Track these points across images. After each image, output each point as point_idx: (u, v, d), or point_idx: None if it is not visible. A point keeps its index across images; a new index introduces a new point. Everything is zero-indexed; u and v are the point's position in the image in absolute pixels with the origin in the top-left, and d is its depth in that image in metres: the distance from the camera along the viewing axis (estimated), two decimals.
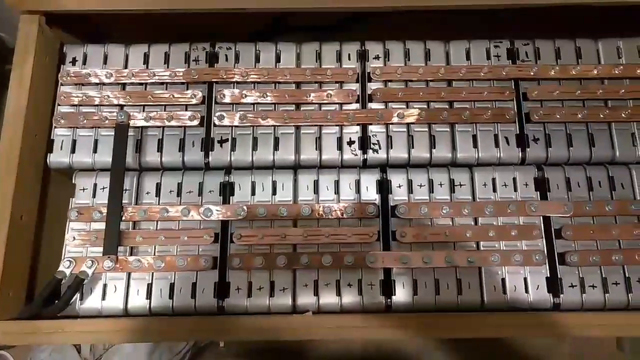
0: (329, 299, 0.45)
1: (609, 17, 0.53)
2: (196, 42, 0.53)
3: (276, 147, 0.49)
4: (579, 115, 0.49)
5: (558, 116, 0.49)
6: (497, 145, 0.49)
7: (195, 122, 0.49)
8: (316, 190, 0.48)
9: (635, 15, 0.52)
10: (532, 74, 0.50)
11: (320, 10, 0.53)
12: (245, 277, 0.46)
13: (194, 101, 0.50)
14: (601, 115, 0.49)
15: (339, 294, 0.45)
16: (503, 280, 0.46)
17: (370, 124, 0.50)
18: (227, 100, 0.50)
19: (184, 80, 0.51)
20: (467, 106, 0.50)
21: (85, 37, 0.58)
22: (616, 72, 0.50)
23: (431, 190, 0.48)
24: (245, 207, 0.47)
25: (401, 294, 0.45)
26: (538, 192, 0.48)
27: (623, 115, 0.49)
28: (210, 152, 0.49)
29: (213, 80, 0.51)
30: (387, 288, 0.46)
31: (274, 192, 0.48)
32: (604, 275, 0.45)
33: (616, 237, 0.46)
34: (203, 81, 0.51)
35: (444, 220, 0.47)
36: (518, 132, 0.49)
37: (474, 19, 0.55)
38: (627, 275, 0.45)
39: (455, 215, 0.47)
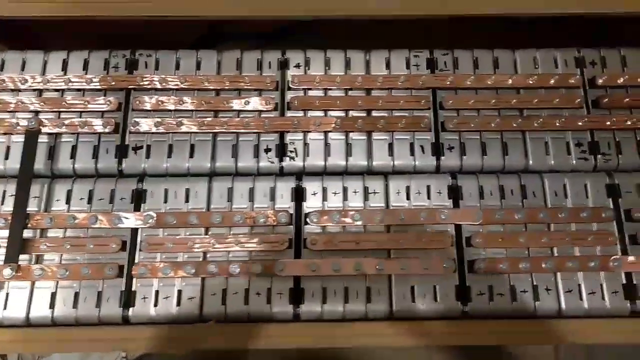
0: (237, 307, 0.45)
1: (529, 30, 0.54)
2: (116, 50, 0.53)
3: (192, 154, 0.49)
4: (493, 125, 0.49)
5: (472, 125, 0.49)
6: (412, 153, 0.49)
7: (109, 129, 0.49)
8: (230, 198, 0.48)
9: (553, 27, 0.53)
10: (448, 83, 0.51)
11: (244, 19, 0.53)
12: (152, 286, 0.45)
13: (108, 108, 0.49)
14: (514, 125, 0.49)
15: (247, 302, 0.45)
16: (412, 288, 0.45)
17: (288, 132, 0.50)
18: (143, 107, 0.50)
19: (100, 87, 0.50)
20: (384, 114, 0.50)
21: (21, 45, 0.58)
22: (530, 81, 0.51)
23: (345, 197, 0.48)
24: (154, 215, 0.46)
25: (310, 303, 0.45)
26: (451, 201, 0.48)
27: (535, 124, 0.49)
28: (124, 159, 0.49)
29: (130, 87, 0.50)
30: (297, 297, 0.45)
31: (187, 200, 0.48)
32: (511, 283, 0.46)
33: (525, 246, 0.46)
34: (120, 88, 0.50)
35: (356, 228, 0.47)
36: (434, 141, 0.50)
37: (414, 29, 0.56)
38: (534, 284, 0.46)
39: (367, 223, 0.47)
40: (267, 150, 0.49)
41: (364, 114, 0.50)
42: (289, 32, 0.66)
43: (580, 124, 0.49)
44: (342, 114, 0.50)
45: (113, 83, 0.50)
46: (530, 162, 0.49)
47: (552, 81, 0.51)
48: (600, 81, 0.51)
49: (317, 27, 0.66)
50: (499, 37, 0.56)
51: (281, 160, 0.49)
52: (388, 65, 0.52)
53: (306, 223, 0.47)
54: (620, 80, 0.51)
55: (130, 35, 0.55)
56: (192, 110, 0.50)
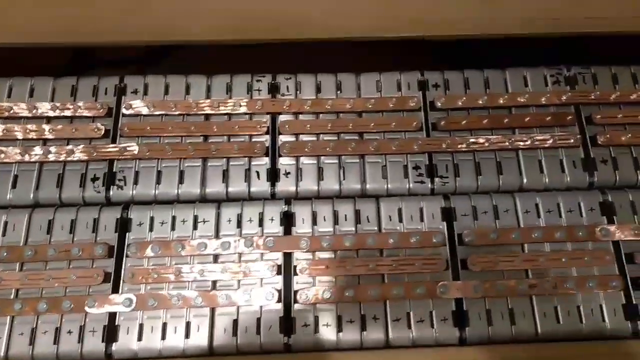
0: (45, 348, 0.42)
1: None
2: None
3: (14, 184, 0.47)
4: (328, 149, 0.49)
5: (306, 150, 0.48)
6: (247, 180, 0.48)
7: None
8: (50, 230, 0.46)
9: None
10: (286, 107, 0.50)
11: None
12: None
13: None
14: (350, 149, 0.49)
15: (56, 342, 0.42)
16: (235, 321, 0.43)
17: (118, 159, 0.48)
18: None
19: None
20: (219, 140, 0.49)
21: None
22: (369, 105, 0.50)
23: (173, 227, 0.46)
24: None
25: (125, 339, 0.42)
26: (283, 227, 0.47)
27: (371, 148, 0.48)
28: None
29: None
30: (111, 334, 0.43)
31: (4, 234, 0.45)
32: (339, 313, 0.44)
33: (352, 273, 0.44)
34: None
35: (178, 259, 0.45)
36: (270, 167, 0.49)
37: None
38: (362, 313, 0.44)
39: (191, 253, 0.45)
40: (95, 179, 0.47)
41: (199, 140, 0.49)
42: (157, 58, 0.65)
43: (415, 147, 0.49)
44: (177, 140, 0.49)
45: None
46: (367, 185, 0.48)
47: (390, 104, 0.50)
48: (439, 104, 0.51)
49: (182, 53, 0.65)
50: (363, 60, 0.56)
51: (108, 190, 0.47)
52: (229, 90, 0.51)
53: (127, 255, 0.45)
54: (460, 103, 0.51)
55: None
56: (19, 140, 0.48)
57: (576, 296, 0.44)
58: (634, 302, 0.44)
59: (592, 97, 0.51)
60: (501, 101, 0.50)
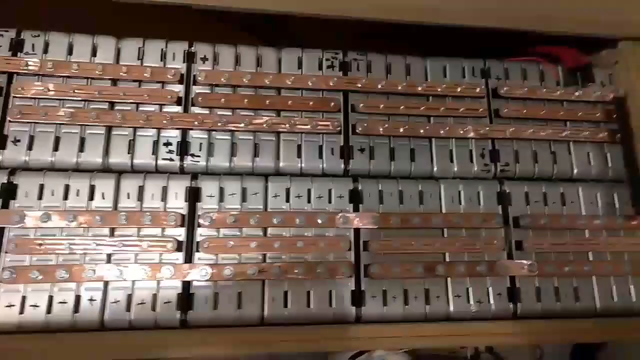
0: None
1: None
2: None
3: None
4: (66, 117, 0.44)
5: (41, 116, 0.44)
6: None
7: None
8: None
9: None
10: (23, 68, 0.45)
11: None
12: None
13: None
14: (91, 119, 0.45)
15: None
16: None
17: None
18: None
19: None
20: None
21: None
22: (122, 73, 0.47)
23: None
24: None
25: None
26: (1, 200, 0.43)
27: (117, 120, 0.45)
28: None
29: None
30: None
31: None
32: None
33: (75, 251, 0.42)
34: None
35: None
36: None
37: None
38: (77, 294, 0.41)
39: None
40: None
41: None
42: None
43: (165, 122, 0.46)
44: None
45: None
46: (110, 160, 0.45)
47: (146, 74, 0.47)
48: (200, 78, 0.48)
49: None
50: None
51: None
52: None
53: None
54: (223, 80, 0.48)
55: None
56: None
57: (305, 282, 0.45)
58: (362, 288, 0.46)
59: (359, 85, 0.51)
60: (267, 81, 0.49)
